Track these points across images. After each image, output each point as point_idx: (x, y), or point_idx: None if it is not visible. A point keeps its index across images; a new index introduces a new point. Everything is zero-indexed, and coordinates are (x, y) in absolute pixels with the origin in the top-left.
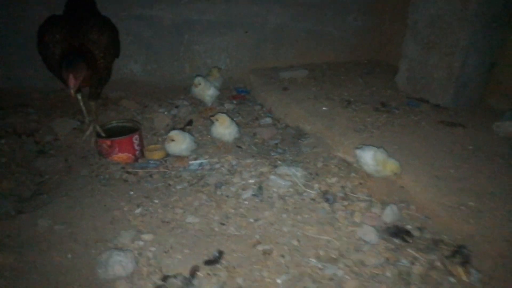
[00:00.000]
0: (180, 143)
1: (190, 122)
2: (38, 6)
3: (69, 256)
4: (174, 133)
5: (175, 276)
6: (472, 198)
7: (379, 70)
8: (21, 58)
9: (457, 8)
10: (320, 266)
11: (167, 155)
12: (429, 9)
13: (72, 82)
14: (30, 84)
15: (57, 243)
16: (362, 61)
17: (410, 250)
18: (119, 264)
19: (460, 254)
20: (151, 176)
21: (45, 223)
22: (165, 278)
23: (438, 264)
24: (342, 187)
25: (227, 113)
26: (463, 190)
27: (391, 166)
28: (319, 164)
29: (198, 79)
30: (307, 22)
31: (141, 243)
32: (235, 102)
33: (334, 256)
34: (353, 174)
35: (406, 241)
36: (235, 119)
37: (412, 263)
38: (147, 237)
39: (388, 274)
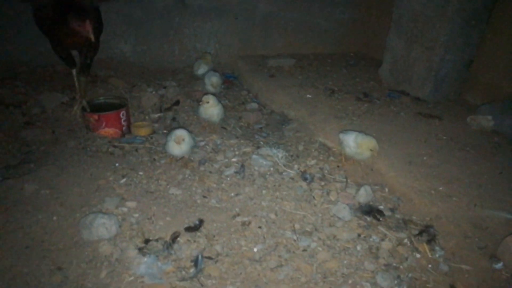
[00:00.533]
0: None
1: (177, 103)
2: None
3: (55, 218)
4: (181, 133)
5: (156, 240)
6: (442, 183)
7: (364, 62)
8: (10, 32)
9: (438, 4)
10: (295, 238)
11: (153, 132)
12: (412, 4)
13: (89, 26)
14: (17, 57)
15: (43, 206)
16: (348, 53)
17: (380, 228)
18: (103, 226)
19: (427, 233)
20: (136, 150)
21: (32, 187)
22: (147, 241)
23: (406, 241)
24: (321, 168)
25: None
26: (434, 176)
27: (368, 144)
28: (300, 147)
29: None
30: (296, 12)
31: (124, 209)
32: (222, 86)
33: (308, 230)
34: (331, 158)
35: (377, 219)
36: (222, 102)
37: (382, 240)
38: (130, 204)
39: (358, 248)
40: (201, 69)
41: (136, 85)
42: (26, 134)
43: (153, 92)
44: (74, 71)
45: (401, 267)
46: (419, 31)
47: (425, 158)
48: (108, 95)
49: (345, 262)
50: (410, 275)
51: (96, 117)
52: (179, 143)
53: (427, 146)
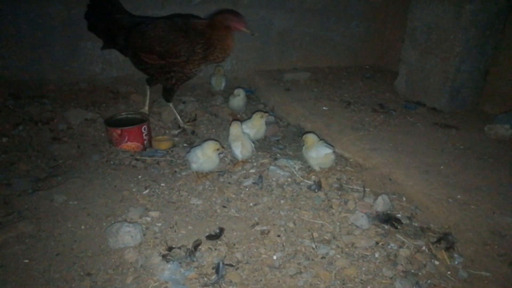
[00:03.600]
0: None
1: (195, 117)
2: (57, 3)
3: (83, 227)
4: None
5: (179, 248)
6: (460, 192)
7: (380, 75)
8: (38, 51)
9: (452, 15)
10: (313, 246)
11: (174, 145)
12: (426, 16)
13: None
14: (45, 77)
15: (71, 216)
16: (363, 66)
17: (398, 236)
18: (128, 234)
19: (445, 240)
20: (158, 163)
21: (61, 198)
22: (170, 248)
23: (424, 248)
24: (338, 179)
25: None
26: (452, 185)
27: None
28: None
29: (238, 90)
30: (311, 27)
31: (148, 219)
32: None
33: (327, 238)
34: (348, 168)
35: (395, 227)
36: (239, 116)
37: (400, 247)
38: (154, 214)
39: (376, 255)
40: (223, 84)
41: (156, 101)
42: (54, 149)
43: (173, 108)
44: (148, 89)
45: (420, 273)
46: (434, 43)
47: (442, 167)
48: (129, 111)
49: (364, 269)
50: (429, 281)
51: (119, 131)
52: (220, 150)
53: (444, 156)
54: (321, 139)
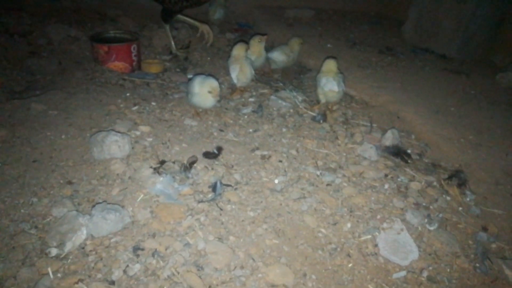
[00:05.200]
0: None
1: (188, 44)
2: None
3: (63, 136)
4: (216, 85)
5: (173, 162)
6: (472, 133)
7: (386, 22)
8: None
9: None
10: (318, 173)
11: (165, 70)
12: None
13: None
14: None
15: (51, 125)
16: (369, 12)
17: (408, 170)
18: (115, 144)
19: (457, 177)
20: (148, 85)
21: (39, 107)
22: (162, 162)
23: (435, 184)
24: (344, 113)
25: (228, 41)
26: (463, 126)
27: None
28: None
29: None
30: None
31: (137, 132)
32: (236, 34)
33: (332, 167)
34: (354, 105)
35: (405, 161)
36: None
37: (410, 180)
38: (144, 128)
39: (386, 186)
40: (218, 14)
41: (147, 26)
42: (32, 63)
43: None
44: (167, 26)
45: (431, 207)
46: None
47: (452, 109)
48: (119, 29)
49: (373, 198)
50: (440, 215)
51: (106, 48)
52: (215, 97)
53: (454, 98)
54: (340, 72)
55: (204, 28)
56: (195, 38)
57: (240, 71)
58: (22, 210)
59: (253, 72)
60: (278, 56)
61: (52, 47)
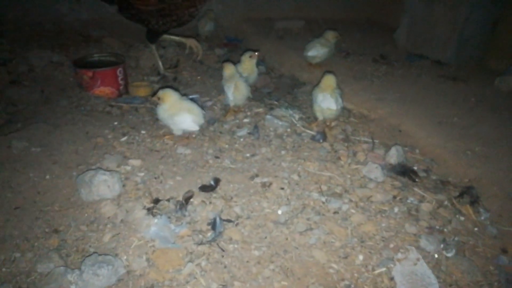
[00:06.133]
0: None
1: (176, 64)
2: None
3: (48, 177)
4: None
5: (168, 200)
6: (478, 144)
7: (376, 29)
8: None
9: None
10: (323, 200)
11: (153, 92)
12: None
13: None
14: (2, 14)
15: (34, 164)
16: (359, 19)
17: (417, 189)
18: (104, 184)
19: (469, 194)
20: (136, 110)
21: (20, 145)
22: (156, 200)
23: (447, 203)
24: (343, 130)
25: (217, 57)
26: (468, 137)
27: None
28: None
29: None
30: None
31: (128, 167)
32: (226, 49)
33: (338, 191)
34: (352, 119)
35: (413, 180)
36: None
37: (420, 201)
38: (134, 162)
39: (396, 210)
40: (208, 26)
41: (133, 46)
42: (12, 93)
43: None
44: (153, 46)
45: (446, 230)
46: None
47: (455, 119)
48: (103, 52)
49: (383, 225)
50: (456, 238)
51: (90, 74)
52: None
53: (456, 107)
54: (338, 88)
55: (191, 42)
56: (183, 57)
57: (235, 89)
58: (3, 269)
59: (249, 89)
60: (319, 50)
61: (34, 75)
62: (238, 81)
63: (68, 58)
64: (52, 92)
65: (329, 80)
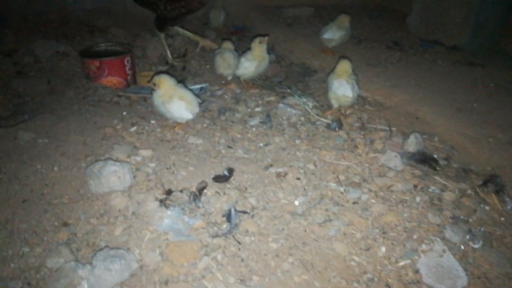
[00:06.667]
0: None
1: (185, 53)
2: None
3: (56, 168)
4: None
5: (181, 191)
6: (499, 130)
7: (387, 15)
8: None
9: None
10: (341, 190)
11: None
12: None
13: None
14: (6, 4)
15: (41, 156)
16: (369, 5)
17: (438, 178)
18: (114, 175)
19: (493, 183)
20: (145, 100)
21: (27, 136)
22: (169, 192)
23: (470, 192)
24: (359, 117)
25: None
26: (489, 123)
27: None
28: None
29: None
30: None
31: (138, 158)
32: (234, 38)
33: (356, 181)
34: (368, 107)
35: (434, 168)
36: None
37: (442, 190)
38: (145, 152)
39: (417, 199)
40: (222, 17)
41: (140, 35)
42: (18, 84)
43: (159, 41)
44: (161, 34)
45: (471, 220)
46: None
47: (475, 105)
48: (110, 42)
49: (405, 215)
50: (482, 229)
51: (97, 63)
52: (157, 88)
53: (474, 93)
54: (354, 74)
55: (205, 43)
56: (192, 45)
57: (220, 57)
58: (12, 264)
59: (236, 62)
60: (336, 33)
61: (40, 65)
62: (225, 52)
63: (73, 48)
64: (58, 83)
65: (345, 65)
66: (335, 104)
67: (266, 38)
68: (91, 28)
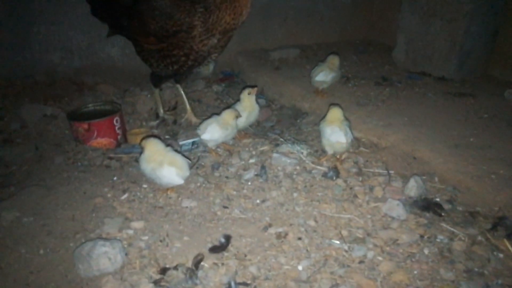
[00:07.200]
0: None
1: (175, 105)
2: None
3: (41, 251)
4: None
5: (175, 268)
6: (501, 165)
7: (373, 49)
8: None
9: None
10: (346, 247)
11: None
12: None
13: None
14: None
15: (26, 238)
16: (354, 40)
17: (444, 225)
18: (105, 256)
19: (503, 226)
20: (136, 160)
21: (10, 216)
22: (163, 270)
23: (480, 238)
24: (355, 162)
25: (216, 94)
26: (490, 159)
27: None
28: None
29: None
30: (296, 0)
31: (130, 231)
32: (223, 84)
33: (360, 236)
34: (362, 149)
35: (439, 214)
36: (224, 100)
37: (451, 239)
38: (137, 224)
39: (426, 252)
40: (211, 67)
41: (129, 90)
42: (5, 153)
43: (148, 96)
44: (156, 90)
45: (486, 272)
46: (437, 3)
47: (472, 139)
48: (98, 101)
49: (415, 272)
50: (499, 281)
51: (86, 126)
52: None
53: (469, 126)
54: (346, 120)
55: (190, 117)
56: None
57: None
58: None
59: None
60: (328, 75)
61: (27, 131)
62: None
63: (62, 109)
64: (47, 149)
65: (336, 113)
66: (330, 151)
67: (255, 89)
68: (80, 85)
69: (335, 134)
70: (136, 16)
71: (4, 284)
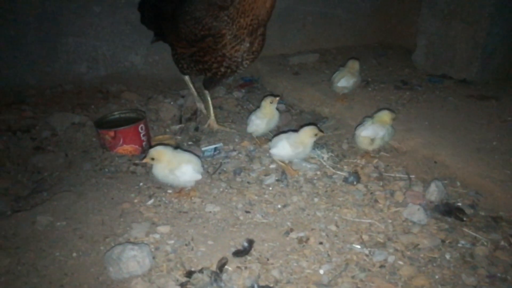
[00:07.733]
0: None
1: (195, 112)
2: None
3: (74, 254)
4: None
5: (201, 271)
6: None
7: (392, 52)
8: (13, 53)
9: None
10: (366, 252)
11: (177, 145)
12: None
13: None
14: (23, 81)
15: (59, 241)
16: (372, 44)
17: (467, 230)
18: (133, 259)
19: None
20: None
21: (45, 220)
22: (189, 273)
23: (503, 243)
24: (375, 167)
25: (236, 101)
26: None
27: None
28: (345, 146)
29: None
30: (314, 5)
31: (157, 236)
32: (243, 90)
33: (380, 240)
34: (383, 153)
35: (460, 219)
36: (245, 106)
37: (473, 244)
38: (163, 229)
39: (448, 257)
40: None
41: (152, 97)
42: (37, 160)
43: (171, 103)
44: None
45: (509, 277)
46: (458, 5)
47: (494, 143)
48: (123, 109)
49: (437, 277)
50: None
51: (112, 133)
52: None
53: (492, 130)
54: (390, 125)
55: (212, 124)
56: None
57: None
58: None
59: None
60: (349, 80)
61: (57, 138)
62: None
63: (89, 117)
64: (76, 155)
65: (383, 115)
66: (360, 145)
67: (277, 98)
68: (105, 94)
69: (364, 129)
70: (172, 21)
71: (41, 286)
